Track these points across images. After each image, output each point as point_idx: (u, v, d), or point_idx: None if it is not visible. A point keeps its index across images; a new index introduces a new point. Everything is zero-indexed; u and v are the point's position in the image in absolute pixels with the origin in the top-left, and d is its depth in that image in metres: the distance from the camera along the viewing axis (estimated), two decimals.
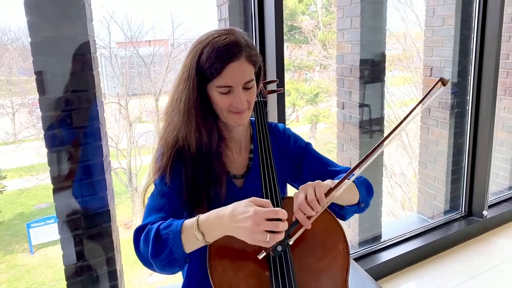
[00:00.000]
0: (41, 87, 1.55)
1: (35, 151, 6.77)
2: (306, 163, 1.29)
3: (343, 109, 2.68)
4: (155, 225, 1.02)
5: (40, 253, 6.78)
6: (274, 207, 1.08)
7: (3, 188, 7.32)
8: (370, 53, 2.50)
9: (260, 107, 1.27)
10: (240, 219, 0.92)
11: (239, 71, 1.06)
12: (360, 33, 2.42)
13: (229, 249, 1.03)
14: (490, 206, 3.05)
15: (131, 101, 8.19)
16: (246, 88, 1.09)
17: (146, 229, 1.03)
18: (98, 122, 1.66)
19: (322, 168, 1.29)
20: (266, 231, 0.90)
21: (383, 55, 2.55)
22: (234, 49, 1.04)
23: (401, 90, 8.36)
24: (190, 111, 1.09)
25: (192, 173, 1.12)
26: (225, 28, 1.12)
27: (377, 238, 2.66)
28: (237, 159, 1.22)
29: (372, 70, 2.53)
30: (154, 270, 1.03)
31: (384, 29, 2.54)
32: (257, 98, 1.27)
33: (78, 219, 1.70)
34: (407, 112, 1.12)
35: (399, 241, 2.66)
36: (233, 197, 1.14)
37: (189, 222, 0.99)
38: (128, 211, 7.73)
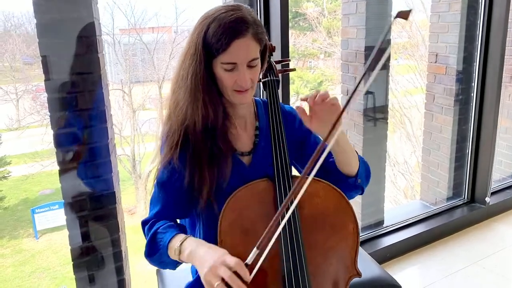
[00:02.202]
0: (47, 69, 1.55)
1: (39, 137, 6.80)
2: (307, 146, 1.29)
3: (347, 95, 2.68)
4: (155, 226, 1.11)
5: (44, 238, 6.85)
6: (286, 186, 1.10)
7: (8, 174, 7.38)
8: (375, 40, 2.48)
9: (273, 85, 1.26)
10: (207, 256, 0.97)
11: (244, 48, 1.05)
12: (365, 18, 2.41)
13: (239, 225, 1.05)
14: (493, 193, 3.06)
15: (134, 88, 8.17)
16: (250, 66, 1.08)
17: (148, 224, 1.13)
18: (103, 105, 1.67)
19: None
20: (222, 280, 0.91)
21: (388, 42, 2.53)
22: (241, 26, 1.04)
23: (406, 78, 8.31)
24: (197, 87, 1.08)
25: (197, 150, 1.12)
26: (233, 4, 1.10)
27: (380, 223, 2.67)
28: (242, 136, 1.21)
29: None
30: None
31: (389, 15, 2.52)
32: (270, 76, 1.27)
33: (84, 201, 1.71)
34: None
35: (402, 227, 2.67)
36: (241, 174, 1.15)
37: (178, 237, 1.06)
38: (132, 197, 7.77)
